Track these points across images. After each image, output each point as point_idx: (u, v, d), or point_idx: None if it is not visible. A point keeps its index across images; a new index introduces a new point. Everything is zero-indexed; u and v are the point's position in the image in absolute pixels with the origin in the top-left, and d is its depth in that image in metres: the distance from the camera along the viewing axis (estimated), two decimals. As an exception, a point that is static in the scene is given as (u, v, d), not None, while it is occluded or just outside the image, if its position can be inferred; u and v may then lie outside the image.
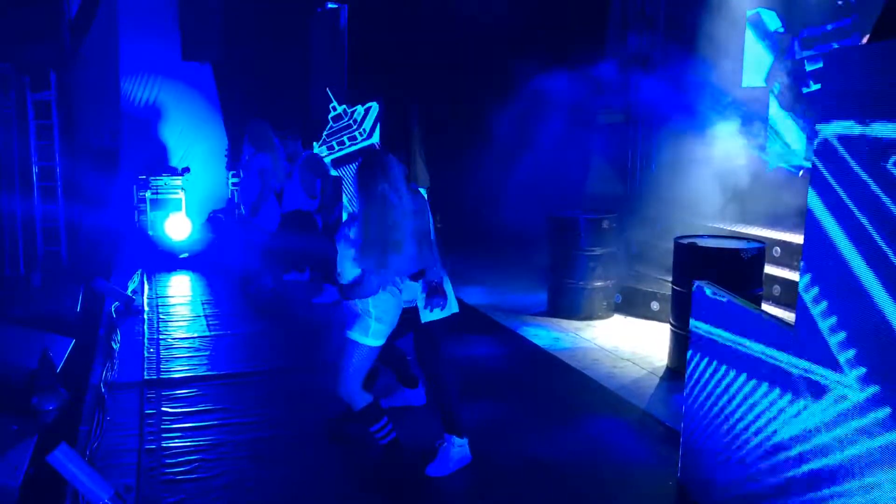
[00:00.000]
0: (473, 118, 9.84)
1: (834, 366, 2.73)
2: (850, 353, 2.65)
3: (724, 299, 3.46)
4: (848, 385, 2.68)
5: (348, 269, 3.78)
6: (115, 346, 6.11)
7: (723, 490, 3.43)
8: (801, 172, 7.40)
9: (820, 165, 2.73)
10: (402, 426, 4.13)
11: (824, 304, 2.75)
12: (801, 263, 2.84)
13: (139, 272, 8.72)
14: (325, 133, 9.10)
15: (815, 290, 2.78)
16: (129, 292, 7.67)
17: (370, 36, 10.25)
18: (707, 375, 3.59)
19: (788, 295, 6.14)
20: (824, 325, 2.75)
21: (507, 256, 8.94)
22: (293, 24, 11.52)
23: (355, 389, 3.83)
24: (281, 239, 7.72)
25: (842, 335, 2.68)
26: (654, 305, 6.94)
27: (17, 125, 8.27)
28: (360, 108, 8.97)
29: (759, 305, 4.77)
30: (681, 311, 5.40)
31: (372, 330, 3.78)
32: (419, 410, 4.89)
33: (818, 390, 2.81)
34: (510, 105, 8.98)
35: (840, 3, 7.27)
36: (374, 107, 8.96)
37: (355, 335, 3.79)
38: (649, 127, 8.37)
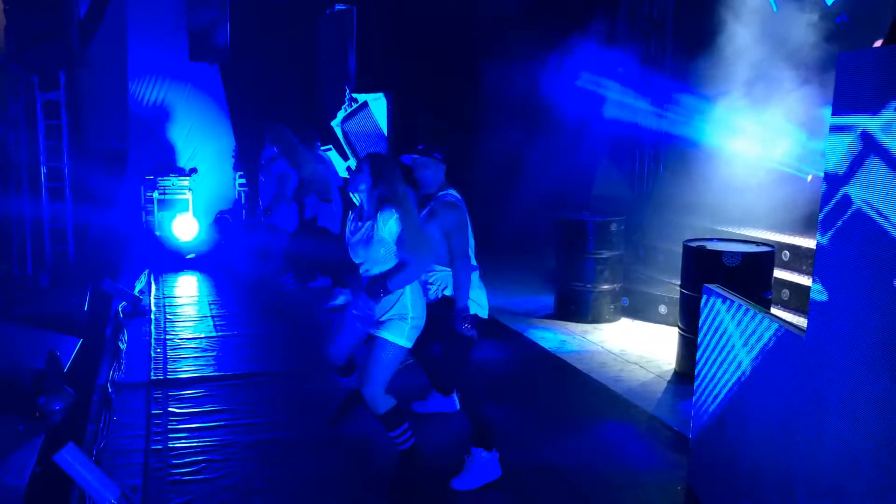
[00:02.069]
0: (480, 119, 9.84)
1: (846, 372, 2.70)
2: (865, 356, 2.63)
3: (734, 303, 3.44)
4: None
5: (380, 259, 3.82)
6: (122, 347, 6.11)
7: (732, 495, 3.41)
8: (809, 177, 7.36)
9: (831, 163, 2.71)
10: (427, 433, 4.15)
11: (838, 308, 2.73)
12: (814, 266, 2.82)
13: (146, 272, 8.73)
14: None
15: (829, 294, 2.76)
16: (136, 292, 7.68)
17: (378, 38, 10.27)
18: (716, 379, 3.57)
19: (797, 299, 6.11)
20: (838, 330, 2.73)
21: (513, 258, 8.92)
22: (301, 25, 11.55)
23: (380, 392, 3.83)
24: (301, 244, 7.67)
25: (857, 339, 2.66)
26: (662, 309, 6.91)
27: (26, 125, 8.28)
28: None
29: (769, 309, 4.75)
30: (689, 315, 5.38)
31: (408, 332, 3.84)
32: (450, 417, 4.81)
33: (828, 395, 2.79)
34: (517, 106, 8.96)
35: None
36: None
37: (389, 335, 3.82)
38: (657, 129, 8.34)
